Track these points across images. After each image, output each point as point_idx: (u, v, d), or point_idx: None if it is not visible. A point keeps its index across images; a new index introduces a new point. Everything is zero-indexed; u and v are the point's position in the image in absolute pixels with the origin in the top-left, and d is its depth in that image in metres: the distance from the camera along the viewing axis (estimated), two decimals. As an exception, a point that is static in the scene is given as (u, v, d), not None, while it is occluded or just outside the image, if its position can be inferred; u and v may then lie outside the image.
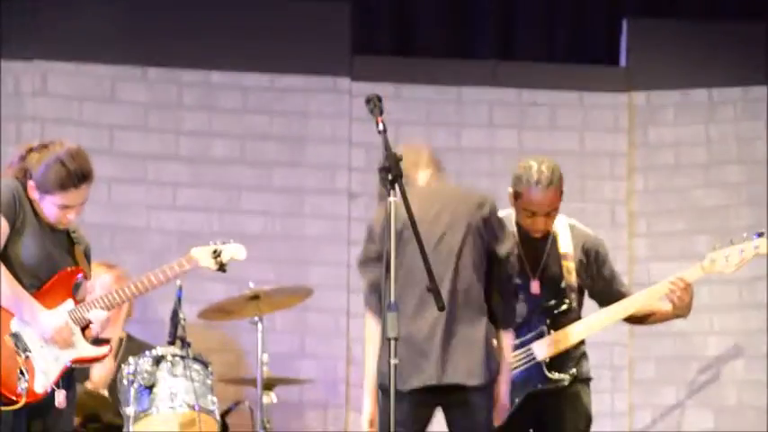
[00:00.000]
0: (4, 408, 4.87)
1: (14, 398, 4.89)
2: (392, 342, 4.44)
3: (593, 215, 7.56)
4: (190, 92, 7.50)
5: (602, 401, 7.40)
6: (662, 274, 5.94)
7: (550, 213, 5.42)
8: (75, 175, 5.04)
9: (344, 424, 7.31)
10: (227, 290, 6.53)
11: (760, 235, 5.41)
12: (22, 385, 4.89)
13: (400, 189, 4.53)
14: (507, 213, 5.48)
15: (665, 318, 5.57)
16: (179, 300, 5.81)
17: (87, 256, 5.28)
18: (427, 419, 4.98)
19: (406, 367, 4.74)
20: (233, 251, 5.50)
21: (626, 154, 7.70)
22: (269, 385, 6.33)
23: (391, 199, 4.51)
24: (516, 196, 5.39)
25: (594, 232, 5.67)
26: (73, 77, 7.35)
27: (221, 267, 5.44)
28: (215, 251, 5.43)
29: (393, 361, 4.43)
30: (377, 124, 4.59)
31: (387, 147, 4.56)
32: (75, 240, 5.22)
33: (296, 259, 7.37)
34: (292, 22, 7.54)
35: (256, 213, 7.44)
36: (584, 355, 5.53)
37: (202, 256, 5.42)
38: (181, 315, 5.81)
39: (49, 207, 5.06)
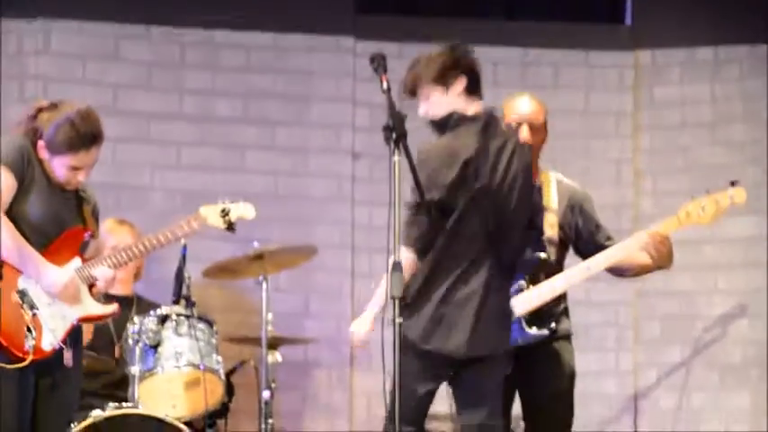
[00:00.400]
0: (11, 366, 4.89)
1: (22, 355, 4.91)
2: (396, 301, 4.44)
3: (599, 174, 7.55)
4: (193, 51, 7.48)
5: (607, 360, 7.44)
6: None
7: (533, 125, 5.43)
8: (86, 136, 5.04)
9: (349, 383, 7.32)
10: (232, 249, 6.53)
11: (734, 184, 5.41)
12: (30, 343, 4.90)
13: (405, 150, 4.51)
14: None
15: (647, 270, 5.57)
16: (183, 258, 5.82)
17: (95, 215, 5.29)
18: (441, 381, 4.97)
19: (432, 327, 4.72)
20: (241, 210, 5.50)
21: (631, 113, 7.68)
22: (273, 344, 6.34)
23: (395, 158, 4.50)
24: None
25: (586, 188, 5.66)
26: (76, 36, 7.32)
27: (230, 226, 5.43)
28: (223, 210, 5.42)
29: (398, 320, 4.43)
30: (381, 83, 4.58)
31: (391, 106, 4.54)
32: (85, 199, 5.23)
33: (300, 219, 7.36)
34: (296, -19, 7.52)
35: (260, 172, 7.43)
36: (565, 311, 5.52)
37: (210, 214, 5.42)
38: (186, 274, 5.82)
39: (59, 168, 5.06)
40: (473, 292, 4.85)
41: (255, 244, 6.32)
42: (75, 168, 5.07)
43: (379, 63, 4.61)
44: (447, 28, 7.57)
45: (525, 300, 5.36)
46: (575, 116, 7.65)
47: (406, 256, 4.76)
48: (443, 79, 4.95)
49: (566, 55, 7.73)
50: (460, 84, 4.97)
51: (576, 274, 5.45)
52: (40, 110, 5.12)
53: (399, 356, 4.41)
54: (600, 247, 5.51)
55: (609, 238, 5.56)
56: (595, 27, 7.84)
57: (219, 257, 6.51)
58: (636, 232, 7.18)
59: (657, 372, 7.45)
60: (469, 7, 7.83)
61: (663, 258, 5.43)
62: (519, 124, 5.42)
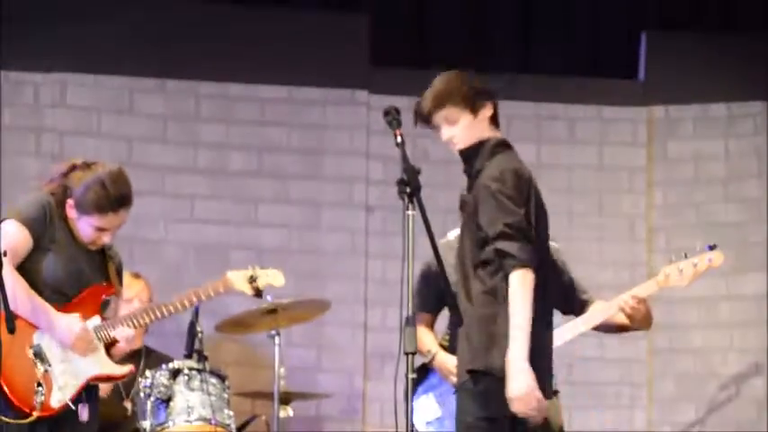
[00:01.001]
0: (12, 420, 4.86)
1: (28, 410, 4.88)
2: (410, 357, 4.41)
3: (612, 230, 7.54)
4: (208, 104, 7.50)
5: (621, 419, 7.39)
6: (681, 290, 5.90)
7: None
8: (115, 199, 5.03)
9: (361, 439, 7.30)
10: (245, 303, 6.51)
11: (712, 248, 5.40)
12: (38, 399, 4.88)
13: (419, 204, 4.49)
14: (456, 234, 5.48)
15: (625, 330, 5.54)
16: (196, 313, 5.80)
17: (119, 274, 5.27)
18: None
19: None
20: (270, 277, 5.42)
21: (645, 168, 7.67)
22: (286, 399, 6.30)
23: (409, 212, 4.48)
24: None
25: (602, 244, 5.62)
26: (91, 89, 7.36)
27: (257, 293, 5.37)
28: (251, 276, 5.36)
29: (411, 375, 4.40)
30: (395, 137, 4.55)
31: (405, 160, 4.52)
32: (111, 257, 5.22)
33: (313, 273, 7.34)
34: (310, 35, 7.53)
35: (274, 226, 7.42)
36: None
37: (238, 280, 5.35)
38: (198, 328, 5.80)
39: (85, 228, 5.05)
40: (544, 324, 4.59)
41: (268, 298, 6.29)
42: (101, 230, 5.06)
43: (392, 117, 4.57)
44: (461, 82, 7.58)
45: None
46: (588, 171, 7.65)
47: (531, 277, 4.43)
48: (474, 103, 4.64)
49: (579, 110, 7.74)
50: (488, 110, 4.69)
51: (557, 337, 5.41)
52: (72, 168, 5.11)
53: (412, 413, 4.39)
54: (577, 302, 5.48)
55: (585, 292, 5.53)
56: (608, 82, 7.85)
57: (232, 312, 6.49)
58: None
59: (672, 431, 7.39)
60: (483, 61, 7.84)
61: (640, 321, 5.42)
62: None
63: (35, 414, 4.87)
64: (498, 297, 4.49)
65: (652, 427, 7.42)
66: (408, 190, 4.46)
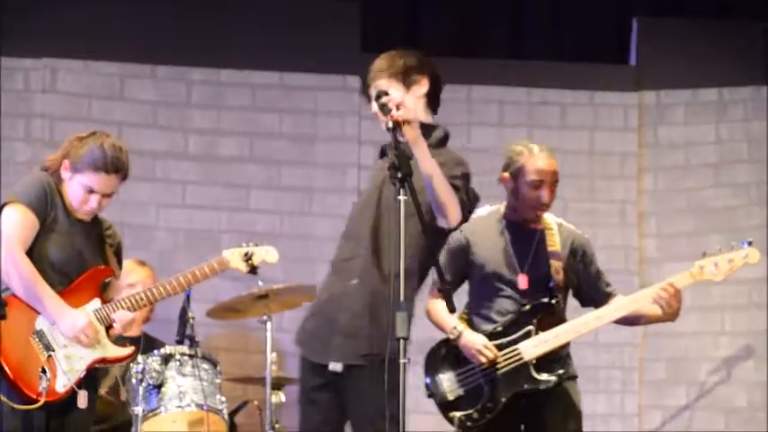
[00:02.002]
0: (22, 406, 4.86)
1: (35, 396, 4.89)
2: (401, 342, 4.40)
3: (603, 215, 7.55)
4: (199, 89, 7.49)
5: (612, 402, 7.41)
6: (672, 275, 5.92)
7: (553, 185, 5.43)
8: (111, 160, 5.05)
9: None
10: (236, 289, 6.52)
11: (749, 243, 5.40)
12: (43, 384, 4.88)
13: (409, 188, 4.49)
14: (489, 211, 5.51)
15: (654, 321, 5.56)
16: (188, 298, 5.80)
17: (119, 255, 5.28)
18: None
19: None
20: (264, 254, 5.49)
21: (636, 153, 7.68)
22: (277, 384, 6.31)
23: (401, 198, 4.47)
24: (518, 173, 5.40)
25: (594, 229, 5.65)
26: (82, 75, 7.35)
27: (252, 270, 5.42)
28: (246, 253, 5.41)
29: (402, 360, 4.40)
30: (386, 122, 4.56)
31: (396, 144, 4.52)
32: (109, 237, 5.22)
33: (305, 258, 7.34)
34: (302, 20, 7.53)
35: (265, 212, 7.43)
36: (568, 355, 5.50)
37: (233, 258, 5.40)
38: (190, 314, 5.80)
39: (76, 187, 5.05)
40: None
41: (260, 283, 6.30)
42: (91, 191, 5.05)
43: (384, 102, 4.59)
44: (452, 68, 7.55)
45: (534, 345, 5.34)
46: (579, 156, 7.66)
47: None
48: (404, 77, 4.79)
49: (570, 95, 7.75)
50: (423, 86, 4.81)
51: (586, 323, 5.43)
52: (77, 138, 5.14)
53: (404, 397, 4.40)
54: (601, 294, 5.50)
55: (608, 285, 5.55)
56: (600, 67, 7.85)
57: (224, 297, 6.49)
58: (641, 275, 7.21)
59: (662, 414, 7.41)
60: (475, 47, 7.85)
61: (672, 312, 5.43)
62: (541, 182, 5.43)
63: (42, 399, 4.87)
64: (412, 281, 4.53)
65: (643, 410, 7.44)
66: (399, 175, 4.46)
